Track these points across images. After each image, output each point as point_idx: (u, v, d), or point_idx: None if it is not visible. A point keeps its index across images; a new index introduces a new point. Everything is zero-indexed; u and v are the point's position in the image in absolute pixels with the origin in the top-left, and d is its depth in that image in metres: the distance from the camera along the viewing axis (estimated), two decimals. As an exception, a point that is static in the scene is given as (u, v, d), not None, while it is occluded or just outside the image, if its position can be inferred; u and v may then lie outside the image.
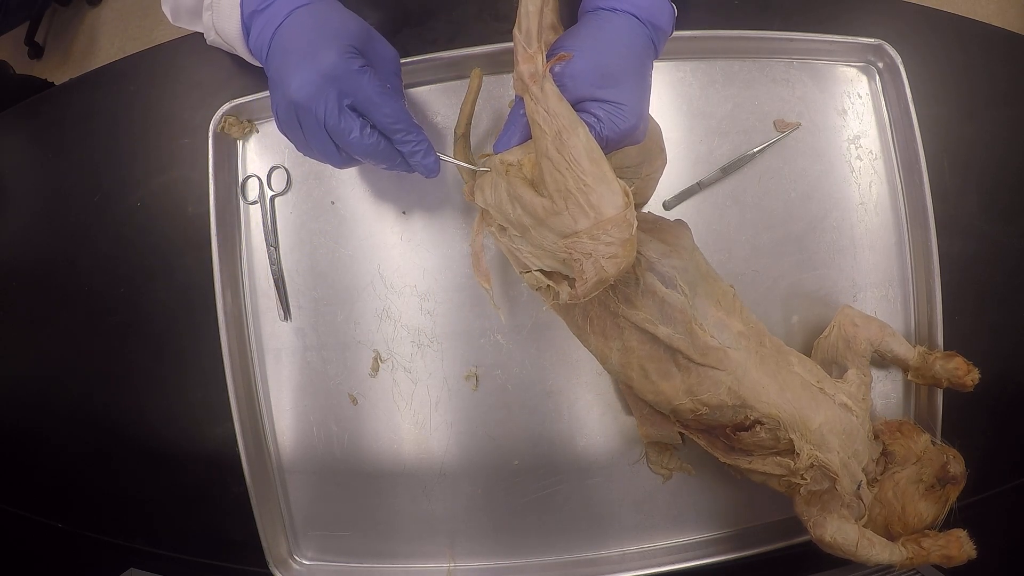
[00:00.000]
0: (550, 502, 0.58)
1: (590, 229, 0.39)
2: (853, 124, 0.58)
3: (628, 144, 0.45)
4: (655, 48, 0.45)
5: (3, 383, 0.67)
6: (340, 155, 0.45)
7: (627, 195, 0.39)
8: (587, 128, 0.40)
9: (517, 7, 0.40)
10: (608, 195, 0.38)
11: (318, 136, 0.43)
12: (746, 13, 0.61)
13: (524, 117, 0.42)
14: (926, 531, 0.48)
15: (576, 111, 0.42)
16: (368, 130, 0.43)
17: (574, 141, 0.38)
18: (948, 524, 0.49)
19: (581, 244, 0.39)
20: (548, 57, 0.41)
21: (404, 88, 0.59)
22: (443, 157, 0.47)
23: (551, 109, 0.39)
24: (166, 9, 0.54)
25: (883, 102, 0.58)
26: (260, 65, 0.47)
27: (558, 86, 0.41)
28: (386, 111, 0.43)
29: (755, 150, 0.57)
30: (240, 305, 0.60)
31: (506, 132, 0.44)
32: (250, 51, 0.48)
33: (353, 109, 0.42)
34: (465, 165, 0.49)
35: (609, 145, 0.43)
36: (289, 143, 0.45)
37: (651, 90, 0.45)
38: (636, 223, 0.39)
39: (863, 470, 0.48)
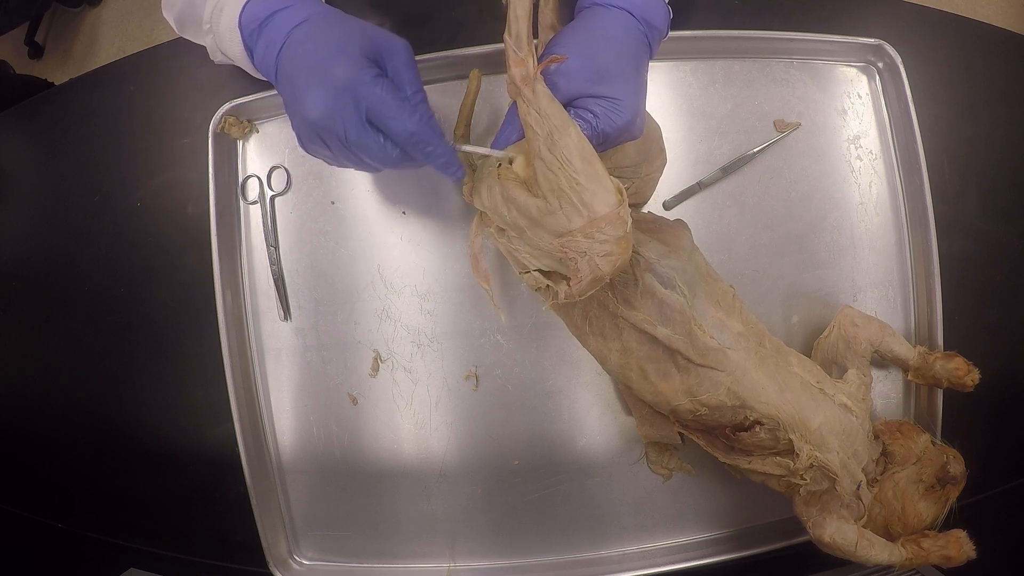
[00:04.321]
0: (550, 502, 0.58)
1: (584, 227, 0.39)
2: (853, 124, 0.58)
3: (626, 140, 0.45)
4: (650, 46, 0.45)
5: (3, 383, 0.67)
6: (372, 163, 0.44)
7: (620, 193, 0.39)
8: (578, 128, 0.40)
9: (506, 11, 0.40)
10: (601, 193, 0.39)
11: (344, 151, 0.42)
12: (746, 13, 0.61)
13: None
14: (926, 531, 0.48)
15: (572, 108, 0.42)
16: (389, 145, 0.42)
17: (565, 141, 0.39)
18: (948, 524, 0.49)
19: (576, 243, 0.39)
20: (542, 58, 0.41)
21: None
22: (465, 148, 0.46)
23: (542, 110, 0.39)
24: (169, 18, 0.53)
25: (883, 102, 0.58)
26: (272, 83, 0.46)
27: (552, 85, 0.41)
28: (405, 124, 0.41)
29: (755, 150, 0.57)
30: (240, 305, 0.60)
31: (503, 130, 0.45)
32: (258, 71, 0.47)
33: (371, 123, 0.41)
34: (483, 151, 0.45)
35: (607, 141, 0.43)
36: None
37: (647, 87, 0.45)
38: (630, 220, 0.39)
39: (863, 470, 0.48)
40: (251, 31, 0.44)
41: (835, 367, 0.53)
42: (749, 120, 0.58)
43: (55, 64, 1.64)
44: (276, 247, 0.60)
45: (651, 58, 0.45)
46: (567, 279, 0.42)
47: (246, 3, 0.44)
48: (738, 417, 0.47)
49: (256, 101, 0.58)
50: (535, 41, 0.42)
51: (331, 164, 0.46)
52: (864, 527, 0.48)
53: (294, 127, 0.43)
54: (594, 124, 0.41)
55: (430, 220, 0.59)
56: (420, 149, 0.42)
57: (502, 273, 0.58)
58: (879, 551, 0.47)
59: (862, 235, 0.57)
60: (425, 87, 0.58)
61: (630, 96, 0.42)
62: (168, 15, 0.52)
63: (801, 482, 0.47)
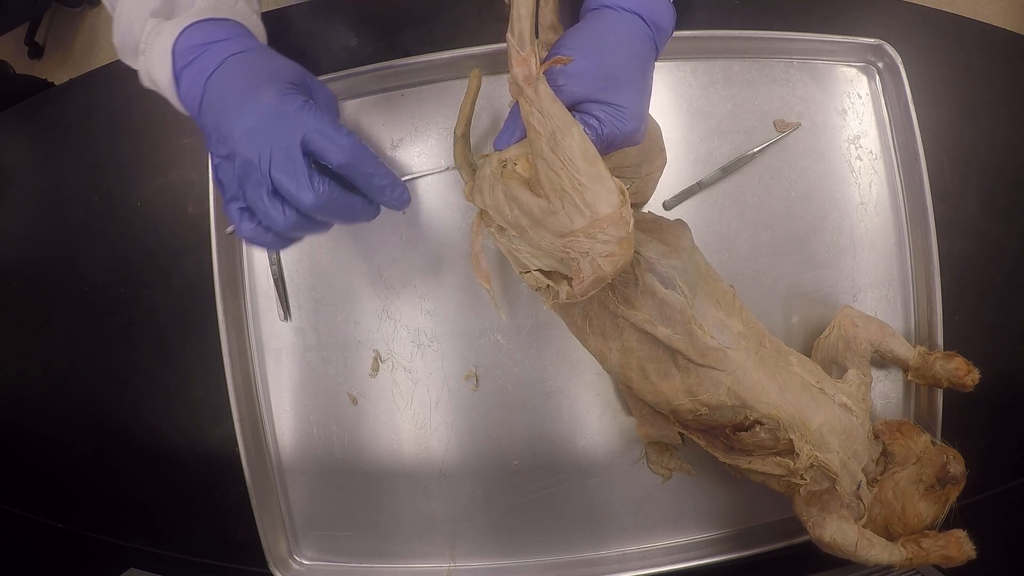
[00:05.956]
0: (550, 502, 0.58)
1: (586, 228, 0.39)
2: (853, 124, 0.58)
3: (628, 145, 0.45)
4: (656, 49, 0.45)
5: (3, 383, 0.67)
6: (297, 203, 0.39)
7: (623, 193, 0.39)
8: (581, 128, 0.40)
9: (509, 11, 0.40)
10: (603, 193, 0.38)
11: (258, 194, 0.38)
12: (746, 13, 0.61)
13: None
14: (926, 531, 0.48)
15: (577, 112, 0.42)
16: (317, 178, 0.38)
17: (568, 141, 0.38)
18: (948, 524, 0.49)
19: (578, 243, 0.39)
20: (548, 58, 0.41)
21: (401, 91, 0.59)
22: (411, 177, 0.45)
23: (545, 110, 0.39)
24: (115, 41, 0.51)
25: (883, 102, 0.58)
26: (192, 117, 0.43)
27: (559, 86, 0.41)
28: (342, 143, 0.38)
29: (755, 150, 0.57)
30: (240, 305, 0.60)
31: (506, 129, 0.44)
32: (181, 101, 0.44)
33: (304, 154, 0.38)
34: (427, 174, 0.47)
35: (609, 146, 0.43)
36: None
37: (651, 91, 0.45)
38: (632, 221, 0.39)
39: (863, 470, 0.48)
40: (184, 59, 0.43)
41: (835, 367, 0.53)
42: (749, 120, 0.58)
43: (55, 64, 1.63)
44: (276, 247, 0.60)
45: (656, 60, 0.45)
46: (568, 279, 0.42)
47: (183, 30, 0.43)
48: (738, 417, 0.47)
49: (256, 101, 0.58)
50: (537, 41, 0.41)
51: (241, 235, 0.41)
52: (864, 527, 0.48)
53: (213, 166, 0.41)
54: (598, 130, 0.41)
55: (430, 220, 0.59)
56: (361, 170, 0.40)
57: (502, 273, 0.58)
58: (879, 551, 0.47)
59: (862, 235, 0.57)
60: (425, 87, 0.59)
61: (636, 104, 0.42)
62: (115, 39, 0.51)
63: (801, 482, 0.47)
